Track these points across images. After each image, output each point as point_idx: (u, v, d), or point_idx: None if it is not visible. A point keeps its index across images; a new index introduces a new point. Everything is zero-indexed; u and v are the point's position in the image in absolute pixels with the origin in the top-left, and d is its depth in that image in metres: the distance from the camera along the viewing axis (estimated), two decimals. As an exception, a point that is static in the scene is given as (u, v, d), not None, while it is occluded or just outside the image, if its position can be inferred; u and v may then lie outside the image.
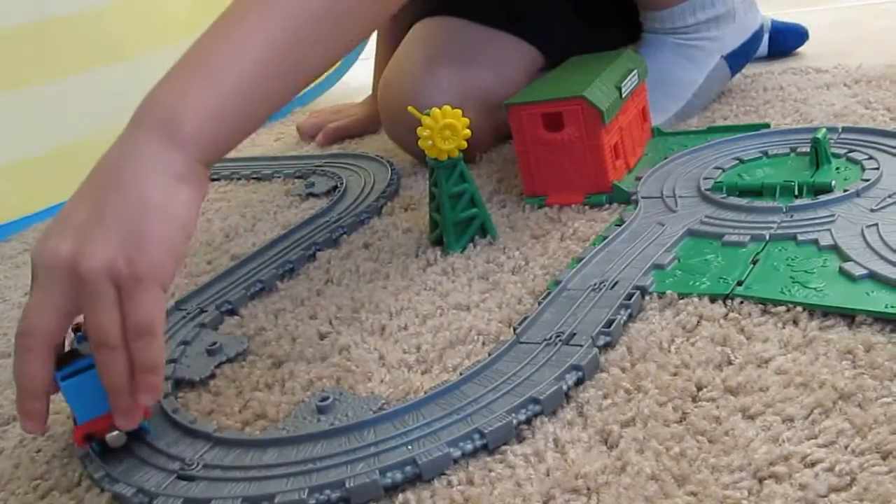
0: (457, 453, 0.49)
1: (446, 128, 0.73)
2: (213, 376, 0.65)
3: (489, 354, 0.57)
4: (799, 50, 1.25)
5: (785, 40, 1.24)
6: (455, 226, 0.77)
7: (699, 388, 0.51)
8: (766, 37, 1.23)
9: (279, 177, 1.14)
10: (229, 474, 0.51)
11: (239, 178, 1.18)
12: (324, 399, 0.56)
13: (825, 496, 0.41)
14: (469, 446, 0.49)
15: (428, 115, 0.73)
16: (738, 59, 1.05)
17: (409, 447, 0.50)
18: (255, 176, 1.17)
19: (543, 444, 0.49)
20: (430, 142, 0.73)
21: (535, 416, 0.51)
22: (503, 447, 0.49)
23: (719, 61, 1.02)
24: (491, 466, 0.48)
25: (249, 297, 0.77)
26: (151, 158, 0.56)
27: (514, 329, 0.60)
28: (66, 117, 1.26)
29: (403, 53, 1.04)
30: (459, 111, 0.74)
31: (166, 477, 0.52)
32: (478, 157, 1.02)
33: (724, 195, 0.74)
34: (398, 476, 0.48)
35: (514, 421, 0.50)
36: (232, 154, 1.31)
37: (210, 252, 0.90)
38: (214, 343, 0.68)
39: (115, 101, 1.32)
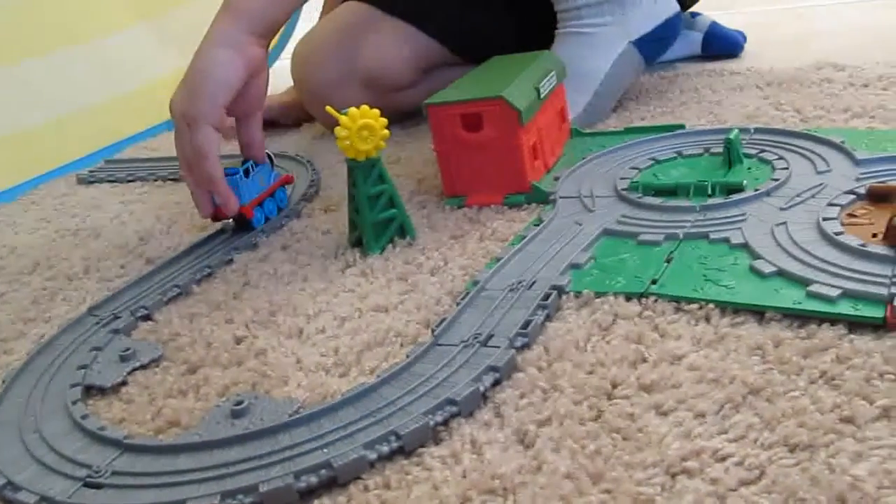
0: (373, 456, 0.48)
1: (364, 128, 0.73)
2: (124, 383, 0.63)
3: (407, 356, 0.57)
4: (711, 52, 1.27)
5: (717, 46, 1.26)
6: (374, 227, 0.76)
7: (614, 386, 0.52)
8: (700, 36, 1.25)
9: (197, 178, 1.12)
10: (139, 481, 0.50)
11: (156, 179, 1.15)
12: (238, 403, 0.55)
13: (735, 490, 0.42)
14: (385, 448, 0.48)
15: (345, 114, 0.72)
16: (650, 44, 1.03)
17: (325, 450, 0.49)
18: (172, 177, 1.14)
19: (460, 445, 0.49)
20: (348, 142, 0.73)
21: (453, 417, 0.51)
22: (420, 449, 0.49)
23: (627, 47, 1.01)
24: (408, 469, 0.48)
25: (165, 302, 0.75)
26: (213, 32, 0.83)
27: (433, 331, 0.60)
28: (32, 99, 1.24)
29: (312, 31, 1.14)
30: (377, 111, 0.74)
31: (72, 485, 0.50)
32: (399, 157, 1.02)
33: (640, 195, 0.75)
34: (313, 480, 0.47)
35: (431, 422, 0.50)
36: (148, 154, 1.29)
37: (124, 256, 0.88)
38: (127, 349, 0.66)
39: (79, 84, 1.31)
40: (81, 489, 0.50)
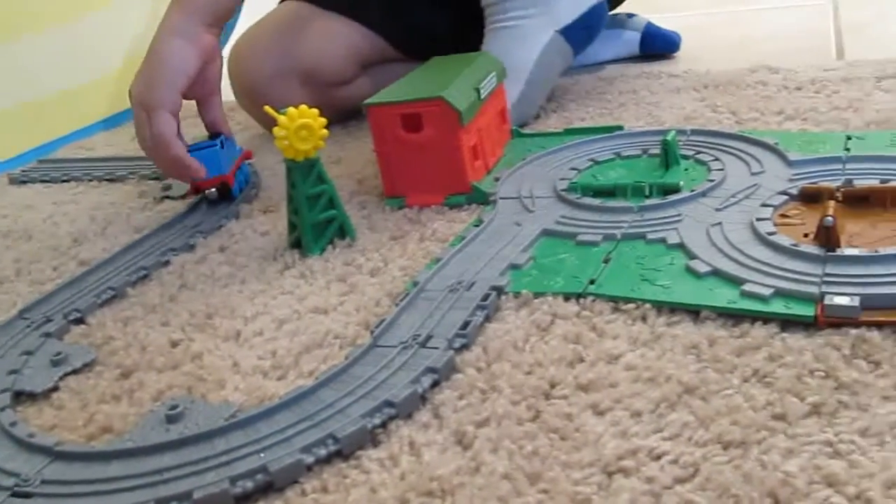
0: (310, 459, 0.48)
1: (302, 128, 0.72)
2: (56, 389, 0.61)
3: (346, 358, 0.56)
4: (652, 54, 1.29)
5: (654, 45, 1.28)
6: (313, 227, 0.75)
7: (552, 386, 0.52)
8: (637, 35, 1.27)
9: (134, 178, 1.10)
10: (70, 489, 0.49)
11: (90, 180, 1.13)
12: (173, 408, 0.54)
13: (670, 488, 0.42)
14: (323, 452, 0.48)
15: (284, 114, 0.71)
16: (577, 32, 1.04)
17: (262, 455, 0.48)
18: (108, 177, 1.12)
19: (398, 447, 0.49)
20: (287, 142, 0.72)
21: (391, 419, 0.51)
22: (358, 452, 0.49)
23: (554, 36, 1.03)
24: (345, 472, 0.48)
25: (99, 305, 0.73)
26: (166, 24, 0.87)
27: (372, 332, 0.59)
28: None
29: (249, 29, 1.14)
30: (316, 111, 0.73)
31: (-1, 495, 0.49)
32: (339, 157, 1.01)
33: (579, 195, 0.75)
34: (249, 485, 0.46)
35: (369, 425, 0.49)
36: (84, 153, 1.26)
37: (57, 258, 0.86)
38: (59, 353, 0.64)
39: (11, 80, 1.28)
40: (9, 499, 0.49)
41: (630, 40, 1.27)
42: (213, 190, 0.91)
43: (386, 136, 0.82)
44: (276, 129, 0.72)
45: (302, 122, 0.72)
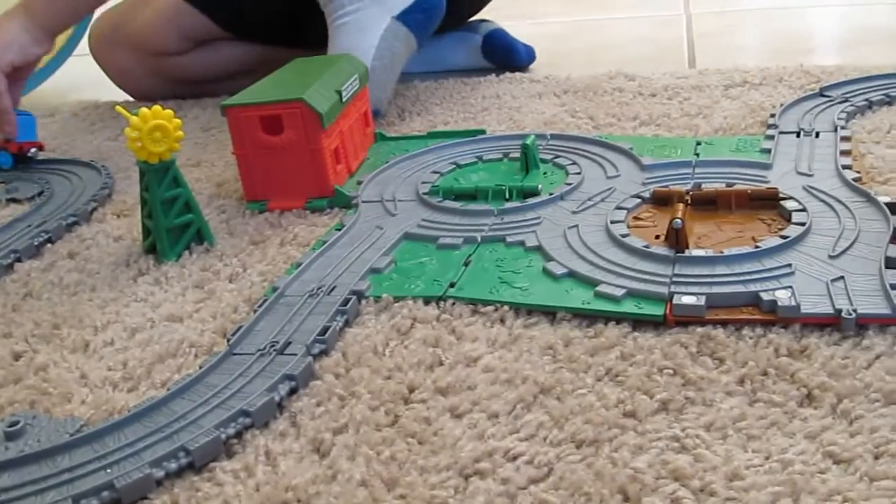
0: (160, 474, 0.46)
1: (156, 129, 0.69)
2: None
3: (200, 367, 0.55)
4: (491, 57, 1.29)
5: (495, 49, 1.27)
6: (169, 233, 0.73)
7: (411, 391, 0.52)
8: (479, 38, 1.27)
9: (-24, 182, 1.04)
10: None
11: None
12: (13, 424, 0.51)
13: (525, 488, 0.43)
14: (174, 465, 0.46)
15: (136, 114, 0.69)
16: (414, 17, 1.06)
17: (108, 471, 0.46)
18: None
19: (254, 457, 0.47)
20: (139, 144, 0.69)
21: (246, 429, 0.49)
22: (212, 464, 0.47)
23: (390, 22, 1.05)
24: (198, 485, 0.46)
25: (-66, 316, 0.69)
26: (15, 21, 1.02)
27: (228, 340, 0.58)
28: None
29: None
30: (171, 112, 0.71)
31: None
32: (201, 161, 0.99)
33: (441, 199, 0.76)
34: (94, 503, 0.44)
35: (223, 436, 0.48)
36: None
37: None
38: None
39: None
40: None
41: (473, 42, 1.28)
42: (35, 150, 1.03)
43: (245, 138, 0.80)
44: (127, 130, 0.69)
45: (155, 124, 0.69)
